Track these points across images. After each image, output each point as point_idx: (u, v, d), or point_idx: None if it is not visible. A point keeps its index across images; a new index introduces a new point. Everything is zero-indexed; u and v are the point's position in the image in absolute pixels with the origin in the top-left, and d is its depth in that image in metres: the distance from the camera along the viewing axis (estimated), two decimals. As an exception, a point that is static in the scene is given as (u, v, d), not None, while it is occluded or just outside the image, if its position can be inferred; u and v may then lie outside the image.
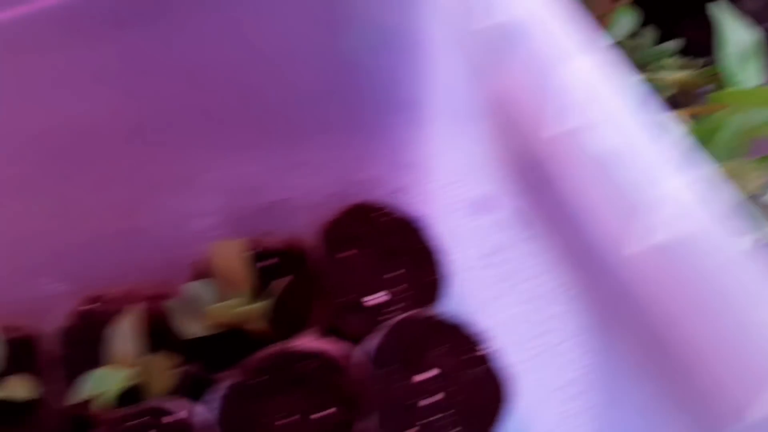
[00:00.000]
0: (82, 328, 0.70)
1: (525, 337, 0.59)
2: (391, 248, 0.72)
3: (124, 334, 0.63)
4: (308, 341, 0.65)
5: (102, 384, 0.62)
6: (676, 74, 0.71)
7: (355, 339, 0.66)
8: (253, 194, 0.69)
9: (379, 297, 0.69)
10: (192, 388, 0.66)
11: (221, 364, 0.66)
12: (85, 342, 0.69)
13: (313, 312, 0.69)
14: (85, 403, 0.62)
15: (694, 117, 0.60)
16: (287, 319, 0.69)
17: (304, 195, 0.71)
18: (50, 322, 0.68)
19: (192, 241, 0.71)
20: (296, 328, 0.69)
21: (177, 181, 0.67)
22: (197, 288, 0.67)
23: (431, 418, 0.62)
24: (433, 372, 0.64)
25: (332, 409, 0.63)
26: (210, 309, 0.67)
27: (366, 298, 0.69)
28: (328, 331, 0.67)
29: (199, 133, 0.64)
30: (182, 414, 0.63)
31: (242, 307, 0.65)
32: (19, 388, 0.62)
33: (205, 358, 0.66)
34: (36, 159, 0.61)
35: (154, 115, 0.62)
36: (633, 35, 0.73)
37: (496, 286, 0.63)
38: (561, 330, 0.52)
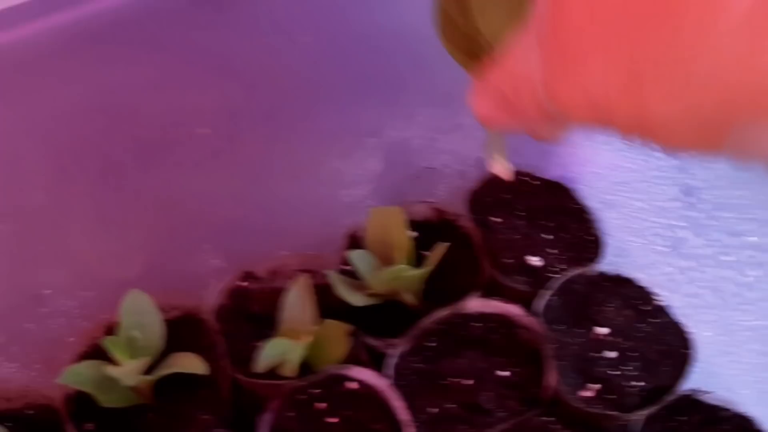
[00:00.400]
0: (238, 304, 0.68)
1: (710, 281, 0.59)
2: (542, 211, 0.71)
3: (297, 304, 0.62)
4: (478, 304, 0.64)
5: (283, 353, 0.60)
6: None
7: (520, 300, 0.65)
8: (405, 161, 0.69)
9: (537, 258, 0.68)
10: (362, 356, 0.65)
11: (384, 332, 0.65)
12: (242, 317, 0.68)
13: (473, 277, 0.68)
14: (264, 374, 0.61)
15: None
16: (445, 285, 0.69)
17: (452, 161, 0.71)
18: (208, 298, 0.67)
19: (343, 212, 0.70)
20: (455, 293, 0.68)
21: (330, 153, 0.66)
22: (356, 257, 0.66)
23: (613, 372, 0.61)
24: (609, 327, 0.63)
25: (514, 367, 0.62)
26: (370, 278, 0.66)
27: (526, 260, 0.68)
28: (490, 295, 0.66)
29: (357, 101, 0.64)
30: (363, 380, 0.62)
31: (403, 275, 0.64)
32: (186, 364, 0.61)
33: (367, 326, 0.65)
34: (198, 138, 0.60)
35: (313, 88, 0.61)
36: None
37: (665, 237, 0.63)
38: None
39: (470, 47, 0.40)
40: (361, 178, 0.67)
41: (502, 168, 0.46)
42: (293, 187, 0.65)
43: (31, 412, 0.64)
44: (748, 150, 0.21)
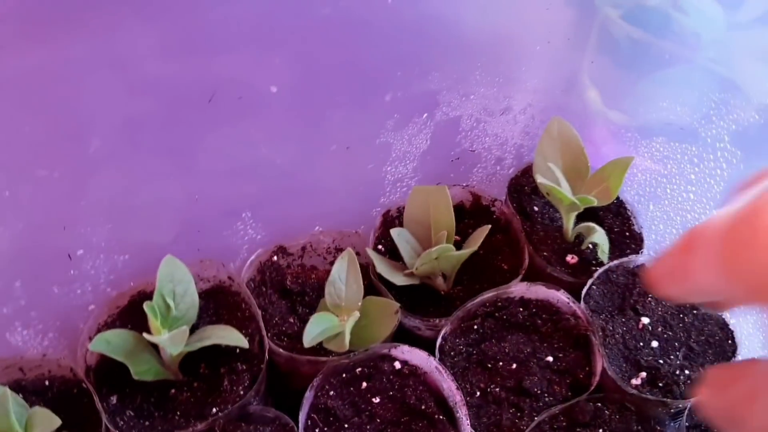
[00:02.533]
0: (270, 278, 0.66)
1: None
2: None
3: (343, 279, 0.60)
4: (522, 288, 0.63)
5: (331, 329, 0.58)
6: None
7: (561, 288, 0.64)
8: (450, 142, 0.68)
9: (578, 248, 0.68)
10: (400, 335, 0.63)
11: (420, 312, 0.64)
12: (274, 292, 0.65)
13: (512, 262, 0.67)
14: (305, 350, 0.58)
15: None
16: (479, 269, 0.68)
17: (493, 145, 0.70)
18: (238, 270, 0.64)
19: (382, 190, 0.68)
20: (490, 278, 0.67)
21: (385, 126, 0.65)
22: (398, 236, 0.64)
23: (658, 361, 0.61)
24: (651, 317, 0.63)
25: (560, 353, 0.61)
26: (410, 258, 0.64)
27: (566, 251, 0.67)
28: (529, 281, 0.65)
29: (420, 74, 0.62)
30: (408, 360, 0.60)
31: (447, 254, 0.62)
32: (227, 336, 0.57)
33: (406, 306, 0.63)
34: (245, 102, 0.57)
35: (377, 58, 0.60)
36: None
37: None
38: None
39: None
40: (407, 155, 0.65)
41: None
42: (342, 159, 0.63)
43: (46, 383, 0.59)
44: None
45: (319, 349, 0.59)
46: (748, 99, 0.63)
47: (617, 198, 0.70)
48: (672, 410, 0.59)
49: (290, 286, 0.65)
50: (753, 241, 0.27)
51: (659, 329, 0.62)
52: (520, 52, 0.62)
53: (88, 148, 0.51)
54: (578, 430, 0.57)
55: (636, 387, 0.59)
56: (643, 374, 0.60)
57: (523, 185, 0.70)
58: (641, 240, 0.68)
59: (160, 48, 0.50)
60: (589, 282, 0.64)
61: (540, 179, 0.61)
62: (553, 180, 0.61)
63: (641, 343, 0.61)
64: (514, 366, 0.60)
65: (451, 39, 0.59)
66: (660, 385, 0.59)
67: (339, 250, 0.67)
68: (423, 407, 0.57)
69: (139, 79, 0.50)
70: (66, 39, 0.47)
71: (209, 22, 0.51)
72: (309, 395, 0.57)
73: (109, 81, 0.49)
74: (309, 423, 0.56)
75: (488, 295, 0.62)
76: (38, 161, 0.50)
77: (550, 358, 0.61)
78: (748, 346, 0.61)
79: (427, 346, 0.60)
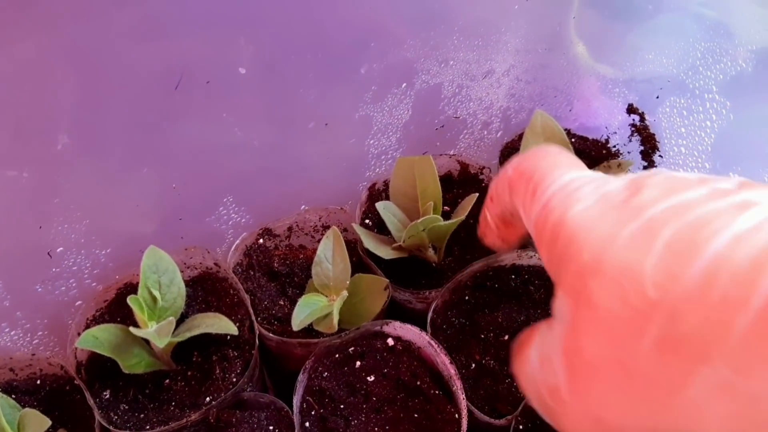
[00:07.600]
0: (257, 261, 0.65)
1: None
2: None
3: (329, 258, 0.59)
4: (512, 256, 0.62)
5: (320, 310, 0.57)
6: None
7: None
8: (433, 109, 0.66)
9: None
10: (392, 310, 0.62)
11: (411, 285, 0.63)
12: (262, 275, 0.64)
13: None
14: (295, 333, 0.57)
15: None
16: (469, 239, 0.66)
17: (478, 110, 0.68)
18: (224, 255, 0.63)
19: (367, 163, 0.67)
20: (485, 247, 0.65)
21: (363, 99, 0.63)
22: (384, 209, 0.63)
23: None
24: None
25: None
26: (397, 230, 0.63)
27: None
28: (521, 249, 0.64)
29: (396, 44, 0.60)
30: (400, 336, 0.59)
31: (434, 225, 0.61)
32: (216, 324, 0.57)
33: (396, 280, 0.62)
34: (217, 85, 0.56)
35: (349, 31, 0.58)
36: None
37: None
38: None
39: None
40: (389, 127, 0.64)
41: None
42: (322, 136, 0.61)
43: (38, 382, 0.59)
44: None
45: (310, 330, 0.59)
46: (735, 46, 0.61)
47: (611, 152, 0.69)
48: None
49: (278, 268, 0.64)
50: None
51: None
52: (498, 12, 0.60)
53: (55, 145, 0.50)
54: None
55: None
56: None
57: (518, 149, 0.68)
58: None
59: (121, 36, 0.48)
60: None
61: None
62: None
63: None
64: (509, 335, 0.59)
65: (425, 4, 0.57)
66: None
67: (326, 227, 0.66)
68: (418, 383, 0.56)
69: (102, 70, 0.49)
70: (22, 33, 0.45)
71: (168, 6, 0.49)
72: (302, 378, 0.56)
73: (70, 74, 0.48)
74: (304, 406, 0.55)
75: (478, 264, 0.61)
76: (6, 162, 0.49)
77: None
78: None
79: (420, 319, 0.59)
